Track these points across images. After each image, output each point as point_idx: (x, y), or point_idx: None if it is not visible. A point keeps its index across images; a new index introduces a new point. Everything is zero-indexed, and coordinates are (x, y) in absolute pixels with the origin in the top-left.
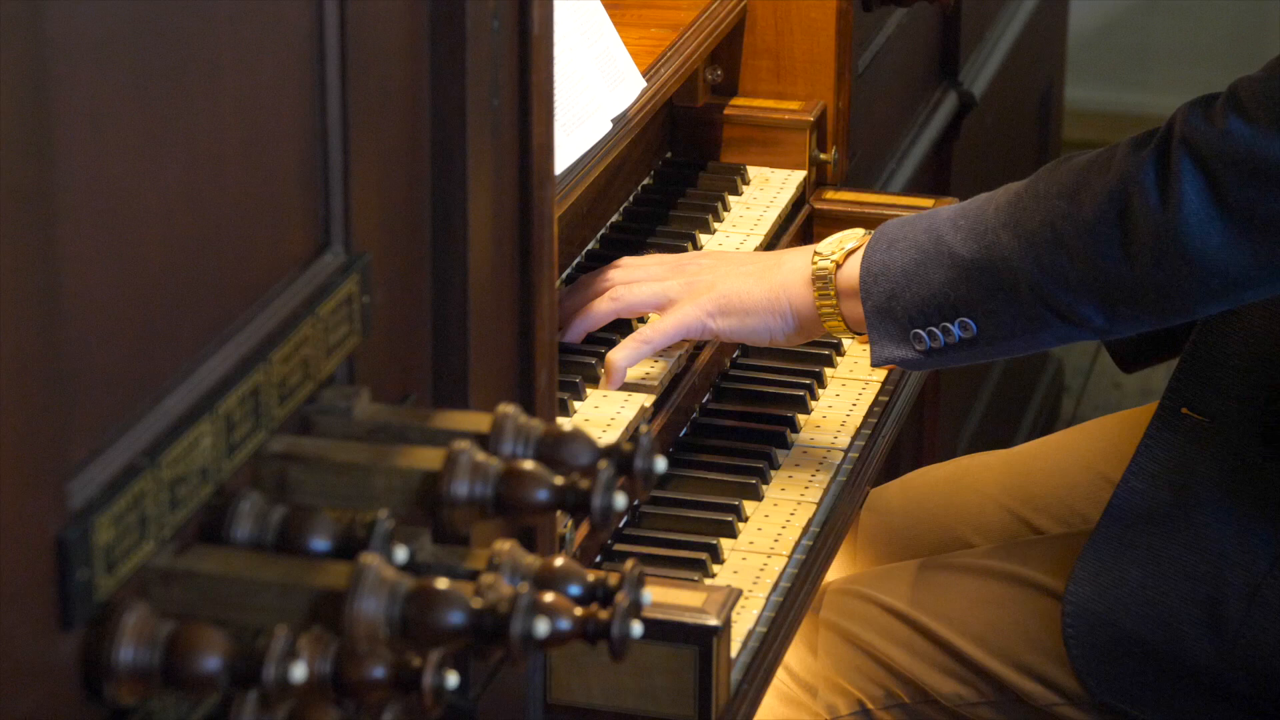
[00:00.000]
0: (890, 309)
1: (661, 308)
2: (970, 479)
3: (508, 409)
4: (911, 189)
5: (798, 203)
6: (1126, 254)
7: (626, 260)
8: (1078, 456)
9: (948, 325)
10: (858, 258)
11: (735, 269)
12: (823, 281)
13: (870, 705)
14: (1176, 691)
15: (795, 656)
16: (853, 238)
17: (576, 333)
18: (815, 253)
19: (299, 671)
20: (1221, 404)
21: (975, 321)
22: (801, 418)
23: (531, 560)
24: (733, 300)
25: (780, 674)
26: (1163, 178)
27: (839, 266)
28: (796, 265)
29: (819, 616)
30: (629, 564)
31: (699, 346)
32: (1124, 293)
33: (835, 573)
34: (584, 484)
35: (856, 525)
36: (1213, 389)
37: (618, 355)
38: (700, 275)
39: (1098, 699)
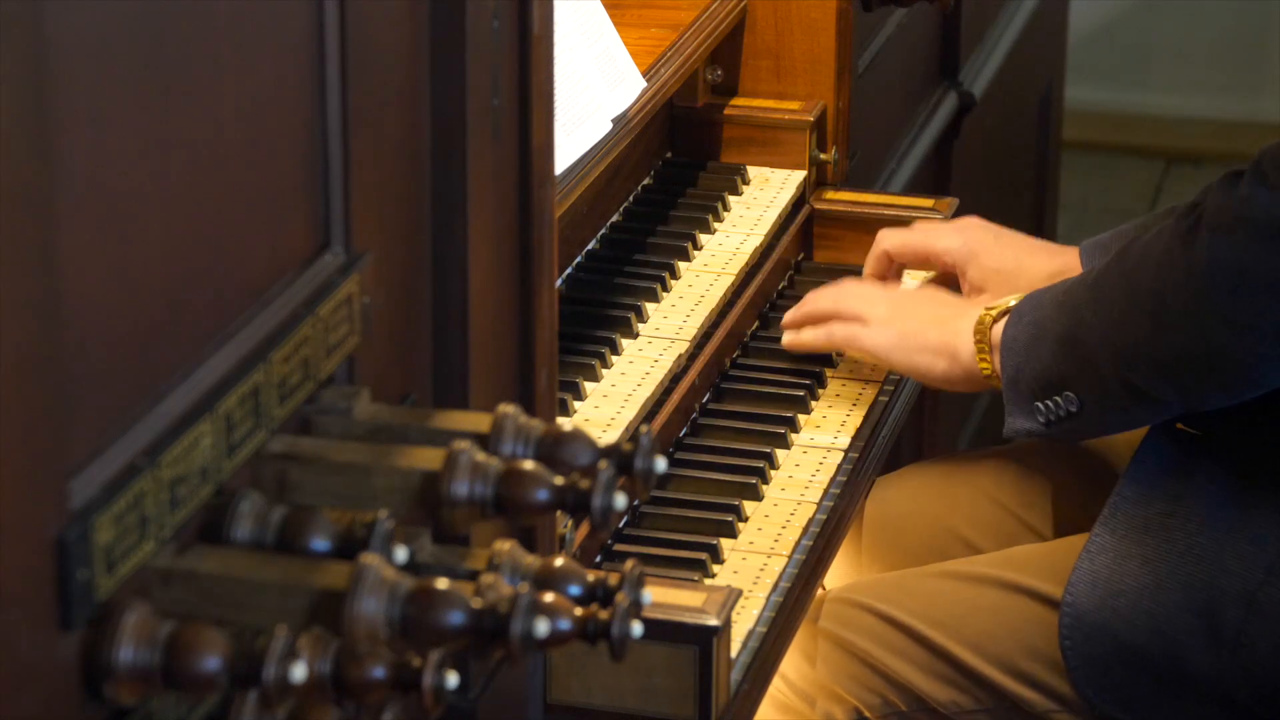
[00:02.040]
0: (1017, 381)
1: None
2: (965, 473)
3: (508, 409)
4: (911, 189)
5: (798, 203)
6: (1171, 327)
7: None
8: (1069, 457)
9: (1058, 399)
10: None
11: (930, 309)
12: (980, 334)
13: (867, 714)
14: (1175, 699)
15: (792, 666)
16: (1016, 297)
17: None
18: (986, 307)
19: (299, 671)
20: (1212, 419)
21: (1079, 397)
22: (801, 418)
23: (531, 560)
24: (909, 338)
25: (777, 683)
26: (1192, 251)
27: (995, 321)
28: (972, 318)
29: (816, 626)
30: (629, 564)
31: (699, 347)
32: (1185, 367)
33: (835, 569)
34: (584, 484)
35: (860, 522)
36: None
37: (801, 337)
38: (899, 304)
39: (1096, 707)
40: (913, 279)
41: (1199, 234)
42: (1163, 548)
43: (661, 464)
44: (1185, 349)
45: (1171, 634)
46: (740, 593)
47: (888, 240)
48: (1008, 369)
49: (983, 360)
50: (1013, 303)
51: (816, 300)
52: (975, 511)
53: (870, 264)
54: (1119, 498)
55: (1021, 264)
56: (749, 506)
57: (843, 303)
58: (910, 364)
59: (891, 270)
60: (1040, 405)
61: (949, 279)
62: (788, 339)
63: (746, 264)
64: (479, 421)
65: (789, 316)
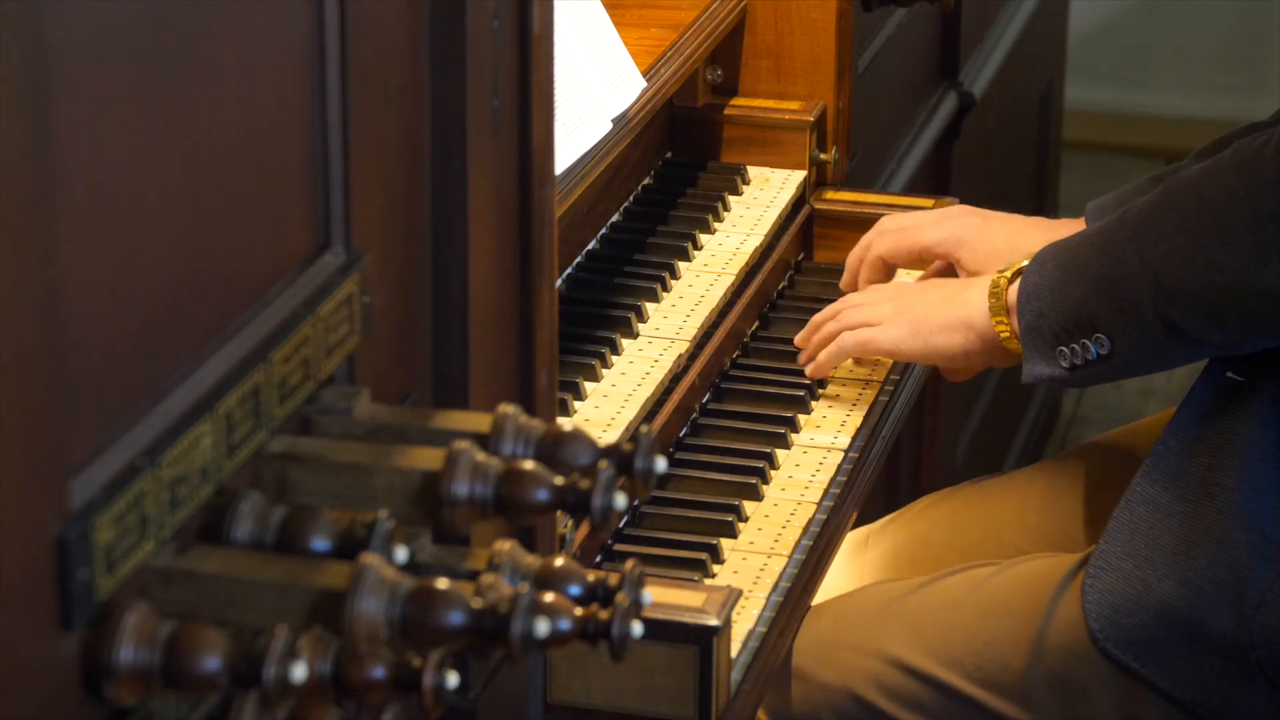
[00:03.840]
0: (1038, 326)
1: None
2: (972, 512)
3: (508, 409)
4: (911, 189)
5: (798, 203)
6: (1230, 260)
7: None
8: (1074, 481)
9: (1086, 342)
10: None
11: (936, 293)
12: (995, 296)
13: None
14: (1187, 651)
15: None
16: (1028, 257)
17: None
18: (999, 270)
19: (299, 671)
20: (1260, 363)
21: (1110, 338)
22: (801, 418)
23: (532, 560)
24: (921, 323)
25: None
26: (1259, 190)
27: (1010, 282)
28: (984, 285)
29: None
30: (629, 564)
31: (699, 347)
32: (1231, 302)
33: (835, 578)
34: (584, 484)
35: (857, 538)
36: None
37: (819, 360)
38: (904, 299)
39: (1100, 646)
40: (908, 279)
41: (1267, 170)
42: (1202, 504)
43: (661, 464)
44: (1238, 288)
45: (1198, 585)
46: (740, 593)
47: (879, 246)
48: (1027, 315)
49: (1000, 324)
50: (1025, 263)
51: (823, 324)
52: (984, 555)
53: (866, 271)
54: (1162, 447)
55: (1014, 243)
56: (749, 506)
57: (846, 319)
58: (929, 348)
59: (887, 273)
60: (1064, 349)
61: (947, 272)
62: (810, 370)
63: (746, 264)
64: (479, 421)
65: (800, 340)
